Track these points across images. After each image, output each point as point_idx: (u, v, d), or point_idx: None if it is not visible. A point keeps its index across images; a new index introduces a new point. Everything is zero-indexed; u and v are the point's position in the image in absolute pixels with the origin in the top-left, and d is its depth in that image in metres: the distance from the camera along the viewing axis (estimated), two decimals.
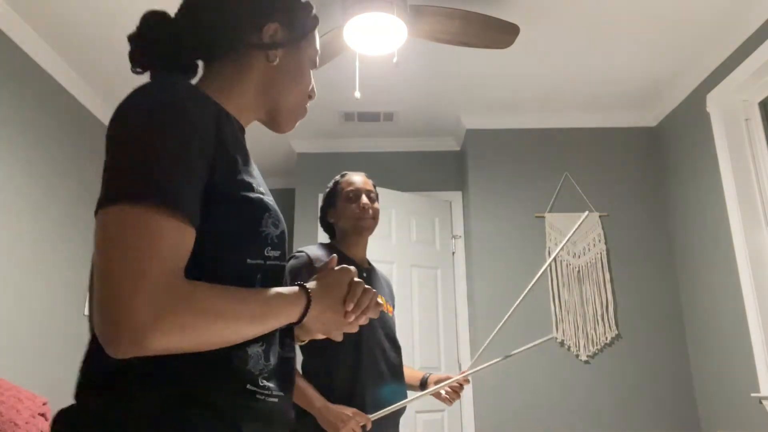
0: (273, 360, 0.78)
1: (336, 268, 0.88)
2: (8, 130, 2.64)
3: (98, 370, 0.67)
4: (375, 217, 1.77)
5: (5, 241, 2.61)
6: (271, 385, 0.76)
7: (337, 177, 1.85)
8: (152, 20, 0.83)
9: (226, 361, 0.70)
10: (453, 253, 3.91)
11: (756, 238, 2.84)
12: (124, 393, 0.65)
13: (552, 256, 1.50)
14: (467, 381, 1.75)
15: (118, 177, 0.64)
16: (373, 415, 1.53)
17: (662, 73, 3.28)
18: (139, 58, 0.82)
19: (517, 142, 3.79)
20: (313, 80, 0.94)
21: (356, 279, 0.87)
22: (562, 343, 3.40)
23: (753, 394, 2.72)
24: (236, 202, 0.73)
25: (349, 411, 1.52)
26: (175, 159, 0.65)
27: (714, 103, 3.06)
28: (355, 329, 0.88)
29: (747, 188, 2.90)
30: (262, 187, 0.80)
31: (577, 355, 3.38)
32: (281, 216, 0.81)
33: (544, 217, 3.61)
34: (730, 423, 2.96)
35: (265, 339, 0.75)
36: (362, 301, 0.85)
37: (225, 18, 0.84)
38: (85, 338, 3.29)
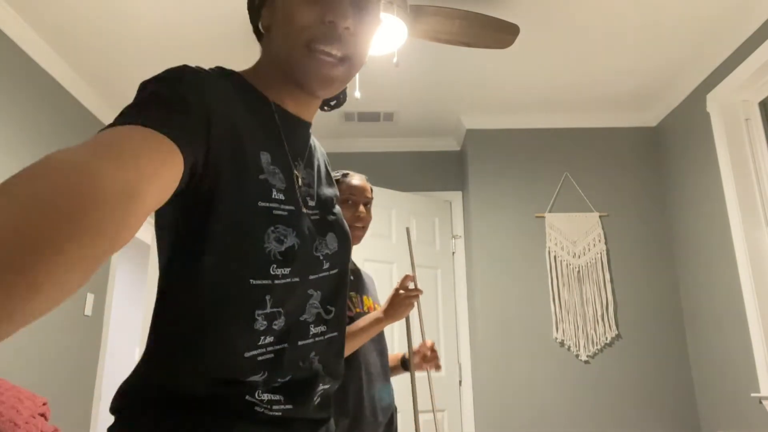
0: (282, 380, 0.72)
1: None
2: (7, 130, 2.64)
3: None
4: (366, 227, 1.76)
5: None
6: (276, 397, 0.71)
7: (338, 175, 1.79)
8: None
9: (227, 387, 0.68)
10: (453, 253, 3.91)
11: (756, 237, 2.84)
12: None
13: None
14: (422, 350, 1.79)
15: None
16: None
17: (662, 73, 3.28)
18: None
19: (517, 142, 3.79)
20: (336, 3, 0.73)
21: None
22: (562, 343, 3.40)
23: (753, 394, 2.72)
24: (239, 212, 0.66)
25: (395, 292, 1.55)
26: (159, 105, 0.63)
27: (714, 103, 3.06)
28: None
29: (747, 188, 2.90)
30: (280, 180, 0.71)
31: (577, 355, 3.38)
32: (297, 225, 0.72)
33: (544, 217, 3.61)
34: (730, 423, 2.96)
35: (265, 368, 0.70)
36: None
37: (249, 7, 0.83)
38: (84, 337, 3.29)
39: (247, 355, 0.68)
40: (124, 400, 0.69)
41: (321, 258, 0.76)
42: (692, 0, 2.65)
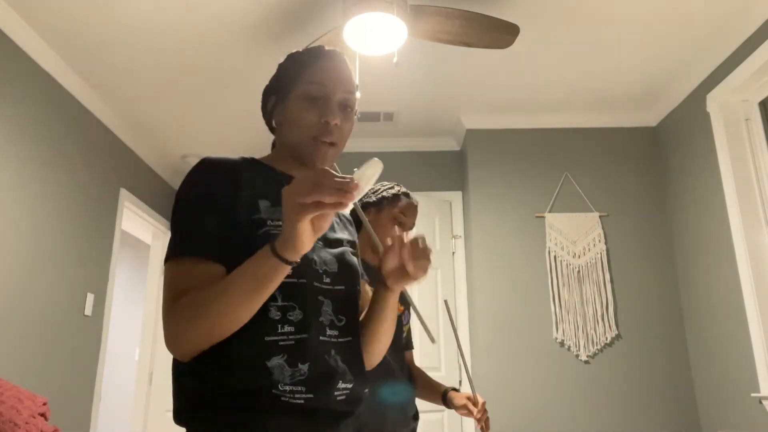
0: (303, 367, 0.88)
1: None
2: (6, 129, 2.64)
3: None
4: None
5: (5, 241, 2.61)
6: (298, 388, 0.87)
7: (399, 190, 1.75)
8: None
9: (253, 374, 0.86)
10: (453, 253, 3.91)
11: (756, 237, 2.84)
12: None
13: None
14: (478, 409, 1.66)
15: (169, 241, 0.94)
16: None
17: (662, 73, 3.28)
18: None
19: (517, 142, 3.79)
20: (329, 108, 1.00)
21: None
22: (562, 343, 3.40)
23: (753, 394, 2.73)
24: (247, 238, 0.91)
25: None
26: (187, 221, 0.92)
27: (714, 103, 3.06)
28: (309, 209, 0.76)
29: (747, 188, 2.91)
30: (281, 213, 0.92)
31: (577, 355, 3.38)
32: None
33: (544, 217, 3.61)
34: (730, 423, 2.97)
35: (286, 351, 0.87)
36: (322, 183, 0.74)
37: (262, 109, 1.13)
38: (84, 337, 3.29)
39: (267, 339, 0.87)
40: (181, 414, 0.90)
41: (321, 272, 0.96)
42: (692, 0, 2.65)
